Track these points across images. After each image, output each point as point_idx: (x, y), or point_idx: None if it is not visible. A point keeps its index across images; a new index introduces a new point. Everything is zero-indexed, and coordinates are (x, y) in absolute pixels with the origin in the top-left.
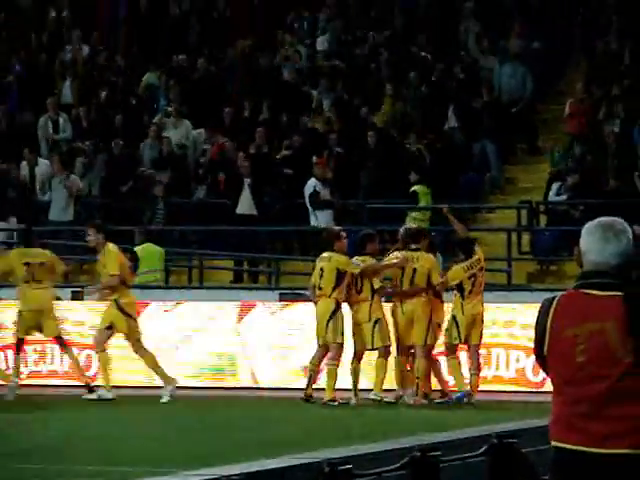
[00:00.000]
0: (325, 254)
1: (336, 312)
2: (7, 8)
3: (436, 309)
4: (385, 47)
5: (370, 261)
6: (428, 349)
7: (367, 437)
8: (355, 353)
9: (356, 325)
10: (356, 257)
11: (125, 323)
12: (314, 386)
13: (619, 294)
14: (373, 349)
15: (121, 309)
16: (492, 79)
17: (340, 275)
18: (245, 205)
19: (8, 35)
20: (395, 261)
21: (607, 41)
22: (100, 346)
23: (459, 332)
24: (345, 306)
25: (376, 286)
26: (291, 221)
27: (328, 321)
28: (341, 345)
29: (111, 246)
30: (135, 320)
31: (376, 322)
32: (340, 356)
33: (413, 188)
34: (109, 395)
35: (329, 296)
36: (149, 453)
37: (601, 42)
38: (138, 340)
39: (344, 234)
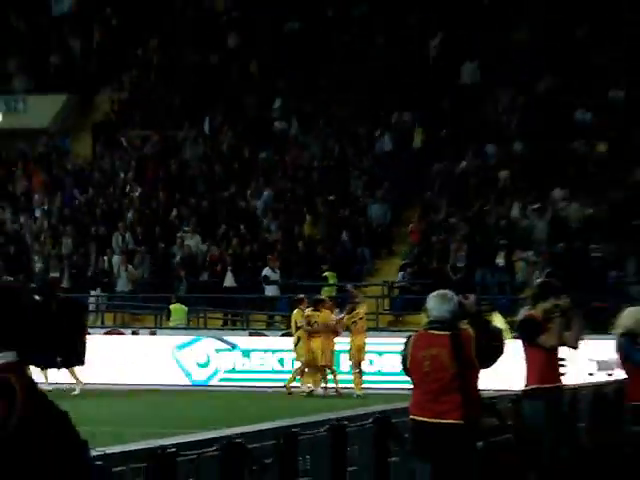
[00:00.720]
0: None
1: (297, 345)
2: (98, 169)
3: (332, 341)
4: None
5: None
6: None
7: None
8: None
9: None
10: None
11: None
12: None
13: (448, 334)
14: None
15: None
16: (366, 213)
17: (297, 325)
18: (229, 282)
19: (95, 189)
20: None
21: (432, 193)
22: None
23: (352, 354)
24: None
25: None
26: (255, 291)
27: (294, 349)
28: (302, 364)
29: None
30: None
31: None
32: (298, 370)
33: (325, 274)
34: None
35: (293, 334)
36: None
37: (428, 194)
38: None
39: (328, 300)
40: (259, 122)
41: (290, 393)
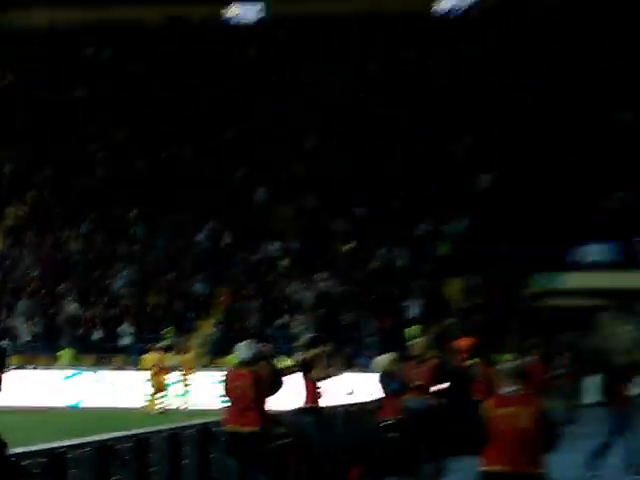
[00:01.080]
0: None
1: (150, 378)
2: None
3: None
4: (151, 280)
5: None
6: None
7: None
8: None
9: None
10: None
11: None
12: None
13: (251, 370)
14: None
15: None
16: (193, 288)
17: (151, 364)
18: (98, 335)
19: (5, 272)
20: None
21: (236, 275)
22: None
23: (182, 384)
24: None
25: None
26: (116, 341)
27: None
28: (154, 390)
29: None
30: None
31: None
32: (153, 395)
33: (165, 330)
34: None
35: (149, 371)
36: None
37: (233, 276)
38: None
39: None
40: (119, 226)
41: (150, 412)
